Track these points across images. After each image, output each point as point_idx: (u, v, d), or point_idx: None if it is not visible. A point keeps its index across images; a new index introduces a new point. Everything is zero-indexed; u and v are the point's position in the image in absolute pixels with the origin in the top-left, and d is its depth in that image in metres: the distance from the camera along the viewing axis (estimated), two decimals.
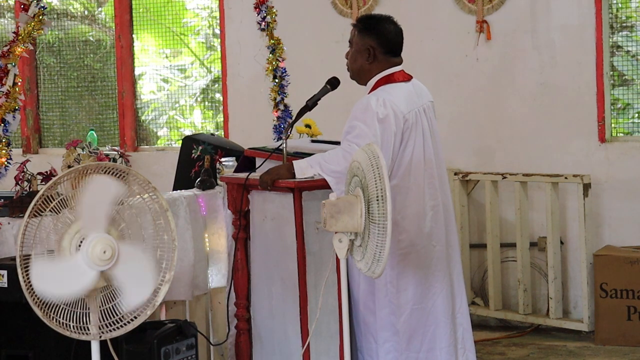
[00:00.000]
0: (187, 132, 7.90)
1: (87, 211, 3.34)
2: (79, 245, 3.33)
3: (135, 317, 3.49)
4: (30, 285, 3.31)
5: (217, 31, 7.66)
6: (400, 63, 4.33)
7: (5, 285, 3.95)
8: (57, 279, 3.30)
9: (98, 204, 3.35)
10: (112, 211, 3.39)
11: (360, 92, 4.39)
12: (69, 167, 4.63)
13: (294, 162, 4.24)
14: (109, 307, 3.45)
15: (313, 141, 4.90)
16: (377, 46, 4.28)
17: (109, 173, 3.41)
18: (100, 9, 8.35)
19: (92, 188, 3.34)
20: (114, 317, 3.46)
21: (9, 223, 4.31)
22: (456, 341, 4.30)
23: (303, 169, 4.20)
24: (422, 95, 4.32)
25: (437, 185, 4.27)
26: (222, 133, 7.42)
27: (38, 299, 3.34)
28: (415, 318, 4.21)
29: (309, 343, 4.21)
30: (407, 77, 4.32)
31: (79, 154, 4.70)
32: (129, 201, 3.50)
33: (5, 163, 4.51)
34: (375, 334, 4.25)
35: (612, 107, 6.49)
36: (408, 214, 4.17)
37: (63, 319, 3.38)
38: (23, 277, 3.32)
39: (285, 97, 5.95)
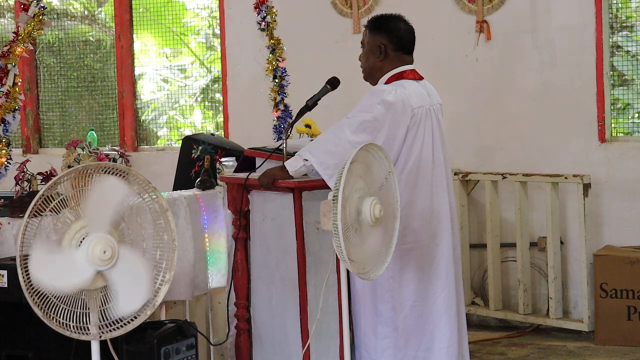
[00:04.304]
0: (187, 132, 7.90)
1: (94, 210, 3.33)
2: (80, 242, 3.33)
3: (135, 317, 3.49)
4: (31, 286, 3.31)
5: (217, 31, 7.66)
6: (411, 62, 4.33)
7: (5, 285, 3.95)
8: (55, 270, 3.29)
9: (105, 204, 3.34)
10: (117, 214, 3.39)
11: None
12: (69, 167, 4.63)
13: (285, 162, 4.24)
14: (109, 307, 3.45)
15: None
16: (388, 43, 4.28)
17: (110, 173, 3.40)
18: (100, 9, 8.35)
19: (102, 187, 3.33)
20: (114, 317, 3.46)
21: (9, 223, 4.31)
22: (457, 343, 4.29)
23: (293, 163, 4.19)
24: (432, 96, 4.32)
25: (444, 185, 4.27)
26: (222, 133, 7.42)
27: (38, 298, 3.33)
28: (415, 315, 4.21)
29: (309, 343, 4.21)
30: (418, 77, 4.32)
31: (79, 154, 4.70)
32: (129, 201, 3.50)
33: (5, 163, 4.51)
34: (374, 329, 4.25)
35: (612, 107, 6.49)
36: (414, 211, 4.17)
37: (63, 319, 3.38)
38: (23, 277, 3.31)
39: (285, 97, 5.95)
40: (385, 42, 4.29)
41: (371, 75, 4.35)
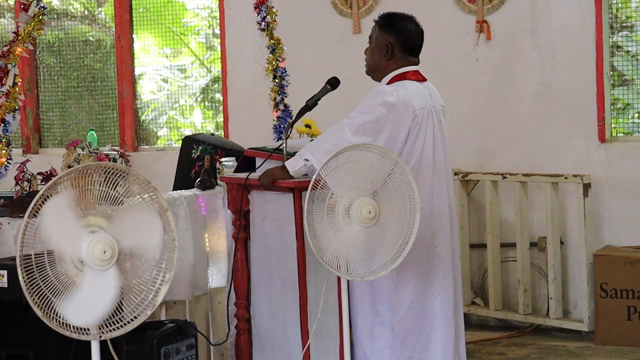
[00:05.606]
0: (187, 132, 7.90)
1: (57, 243, 3.30)
2: (82, 262, 3.32)
3: (135, 317, 3.48)
4: (31, 286, 3.31)
5: (217, 31, 7.66)
6: (417, 64, 4.33)
7: (5, 285, 3.95)
8: (92, 300, 3.29)
9: (58, 231, 3.30)
10: (74, 214, 3.33)
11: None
12: (69, 167, 4.63)
13: (286, 162, 4.24)
14: None
15: None
16: (396, 43, 4.28)
17: (107, 173, 3.40)
18: (100, 9, 8.35)
19: (47, 219, 3.29)
20: (114, 317, 3.45)
21: (9, 223, 4.31)
22: (453, 345, 4.28)
23: (294, 163, 4.19)
24: (435, 97, 4.32)
25: (444, 187, 4.27)
26: (222, 133, 7.42)
27: (38, 299, 3.33)
28: (412, 316, 4.21)
29: (309, 343, 4.21)
30: (422, 78, 4.32)
31: (79, 154, 4.70)
32: (129, 201, 3.49)
33: (5, 163, 4.51)
34: (372, 329, 4.25)
35: (612, 107, 6.49)
36: None
37: (63, 319, 3.38)
38: (23, 277, 3.31)
39: (285, 97, 5.95)
40: (392, 41, 4.28)
41: (374, 72, 4.36)
